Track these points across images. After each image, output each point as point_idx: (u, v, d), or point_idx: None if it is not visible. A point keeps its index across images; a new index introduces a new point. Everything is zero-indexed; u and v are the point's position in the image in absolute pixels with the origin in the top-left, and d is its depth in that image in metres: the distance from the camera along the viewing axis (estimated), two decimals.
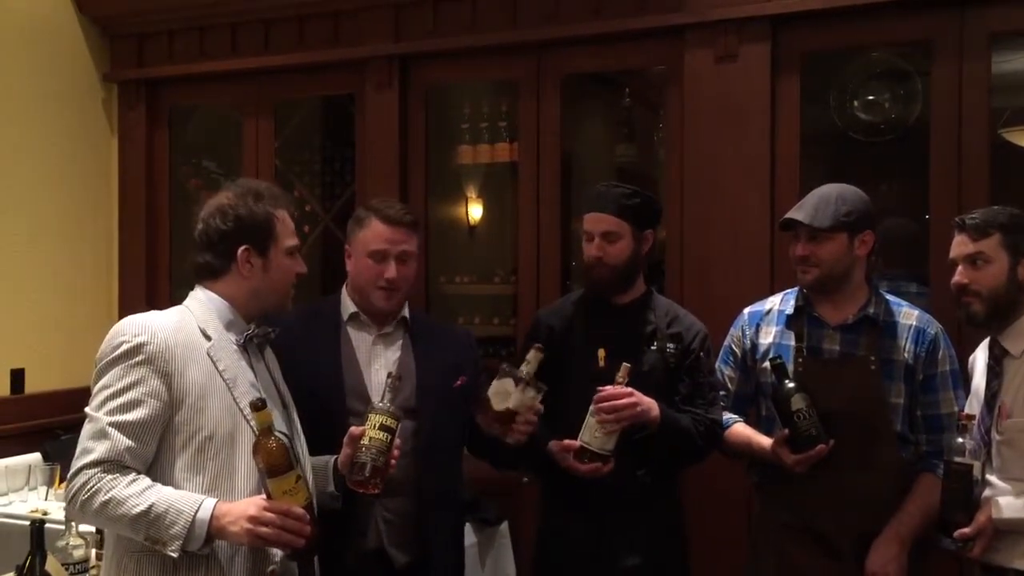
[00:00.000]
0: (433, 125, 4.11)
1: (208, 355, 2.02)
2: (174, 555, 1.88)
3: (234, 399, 2.02)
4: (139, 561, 1.96)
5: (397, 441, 2.19)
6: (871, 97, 3.65)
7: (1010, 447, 2.35)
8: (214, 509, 1.90)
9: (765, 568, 2.66)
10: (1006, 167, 3.41)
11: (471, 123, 4.26)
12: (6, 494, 3.69)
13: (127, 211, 4.58)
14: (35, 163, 4.22)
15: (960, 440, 2.33)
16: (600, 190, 2.69)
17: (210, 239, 2.10)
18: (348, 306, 2.56)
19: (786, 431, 2.52)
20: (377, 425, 2.15)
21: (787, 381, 2.52)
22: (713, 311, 3.01)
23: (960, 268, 2.42)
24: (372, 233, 2.50)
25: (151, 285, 4.54)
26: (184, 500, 1.90)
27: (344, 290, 2.60)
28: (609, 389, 2.45)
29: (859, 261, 2.59)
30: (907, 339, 2.56)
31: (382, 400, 2.20)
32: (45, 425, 4.07)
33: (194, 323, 2.05)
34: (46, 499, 3.62)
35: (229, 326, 2.09)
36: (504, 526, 3.71)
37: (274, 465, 1.93)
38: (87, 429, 1.94)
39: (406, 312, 2.59)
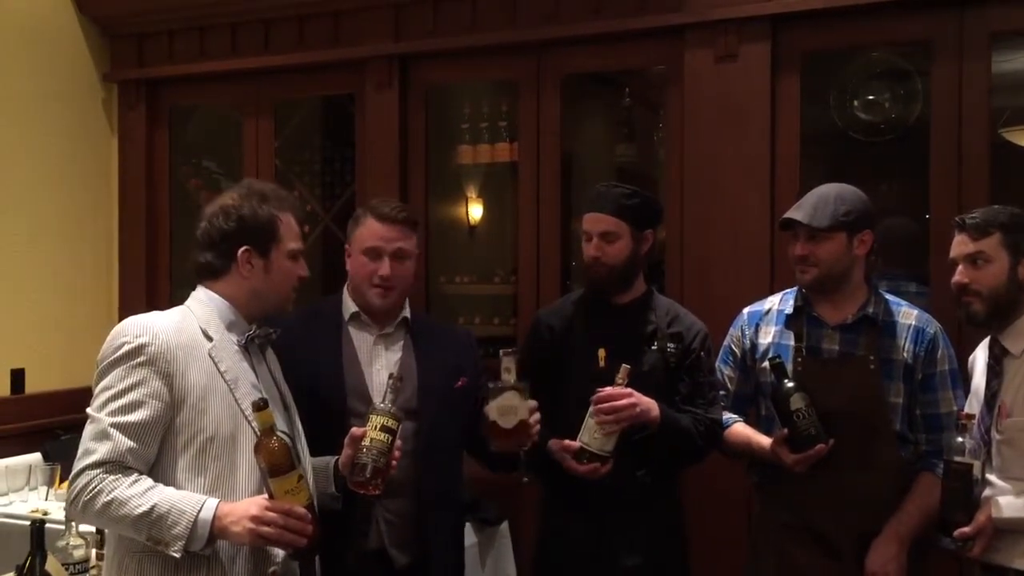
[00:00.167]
0: (433, 125, 4.11)
1: (210, 356, 2.02)
2: (176, 555, 1.89)
3: (235, 400, 2.02)
4: (141, 561, 1.96)
5: (398, 442, 2.19)
6: (871, 97, 3.65)
7: (1010, 446, 2.35)
8: (216, 509, 1.90)
9: (765, 568, 2.66)
10: (1006, 167, 3.41)
11: (471, 123, 4.26)
12: (6, 494, 3.69)
13: (127, 211, 4.58)
14: (35, 163, 4.22)
15: (960, 439, 2.33)
16: (600, 190, 2.69)
17: (212, 238, 2.10)
18: (349, 306, 2.56)
19: (785, 431, 2.52)
20: (378, 426, 2.15)
21: (786, 381, 2.52)
22: (713, 311, 3.01)
23: (960, 267, 2.42)
24: (367, 230, 2.50)
25: (151, 285, 4.54)
26: (186, 500, 1.90)
27: (345, 290, 2.60)
28: (608, 390, 2.46)
29: (858, 261, 2.60)
30: (906, 338, 2.56)
31: (383, 401, 2.20)
32: (45, 425, 4.07)
33: (196, 323, 2.05)
34: (46, 499, 3.62)
35: (231, 326, 2.09)
36: (504, 526, 3.72)
37: (276, 465, 1.93)
38: (89, 430, 1.94)
39: (407, 312, 2.59)
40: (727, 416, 2.73)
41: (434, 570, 2.49)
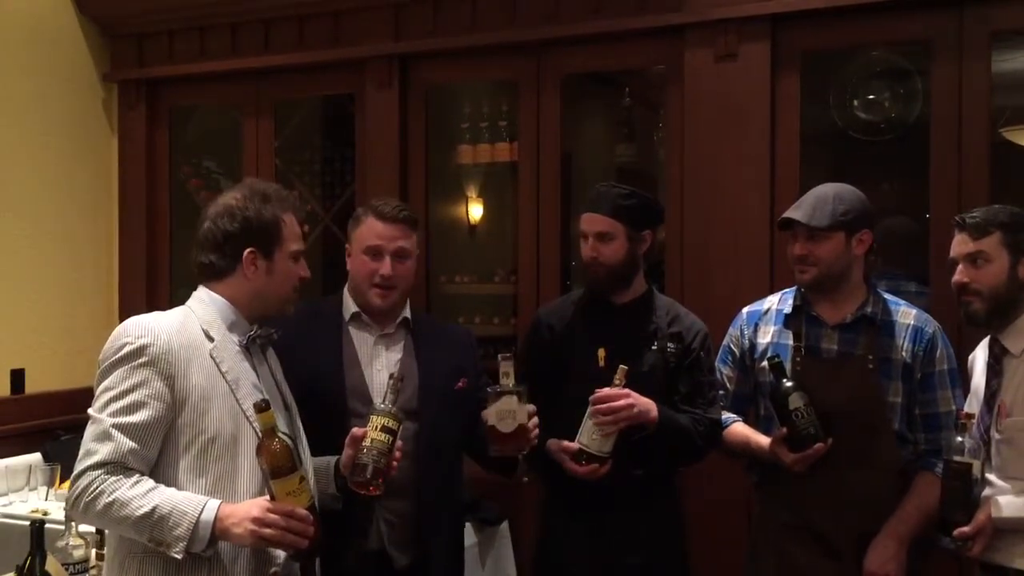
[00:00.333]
0: (433, 125, 4.11)
1: (211, 357, 2.02)
2: (178, 557, 1.89)
3: (237, 401, 2.02)
4: (142, 562, 1.96)
5: (399, 443, 2.19)
6: (871, 96, 3.65)
7: (1010, 446, 2.35)
8: (218, 510, 1.90)
9: (765, 568, 2.66)
10: (1006, 166, 3.41)
11: (471, 123, 4.26)
12: (6, 494, 3.70)
13: (127, 211, 4.58)
14: (35, 163, 4.22)
15: (960, 439, 2.33)
16: (599, 190, 2.69)
17: (216, 239, 2.10)
18: (350, 306, 2.56)
19: (784, 430, 2.52)
20: (379, 427, 2.15)
21: (785, 380, 2.53)
22: (713, 311, 3.01)
23: (960, 267, 2.42)
24: (367, 230, 2.50)
25: (151, 285, 4.54)
26: (188, 502, 1.90)
27: (346, 290, 2.60)
28: (605, 390, 2.46)
29: (857, 260, 2.60)
30: (905, 338, 2.57)
31: (384, 401, 2.20)
32: (45, 425, 4.07)
33: (197, 324, 2.05)
34: (46, 499, 3.62)
35: (232, 327, 2.09)
36: (504, 526, 3.72)
37: (278, 466, 1.93)
38: (90, 431, 1.94)
39: (407, 313, 2.59)
40: (726, 416, 2.73)
41: (434, 570, 2.49)
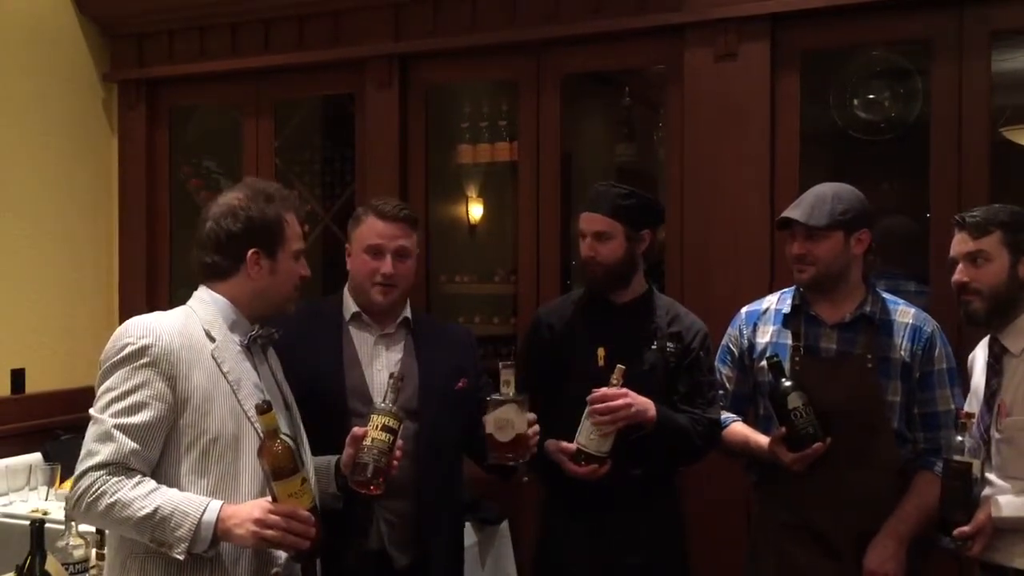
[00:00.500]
0: (433, 125, 4.11)
1: (212, 357, 2.02)
2: (180, 557, 1.89)
3: (238, 401, 2.02)
4: (143, 563, 1.96)
5: (399, 442, 2.19)
6: (871, 96, 3.65)
7: (1009, 445, 2.35)
8: (220, 511, 1.90)
9: (765, 568, 2.66)
10: (1006, 166, 3.41)
11: (471, 123, 4.26)
12: (6, 494, 3.70)
13: (127, 211, 4.58)
14: (35, 163, 4.22)
15: (959, 438, 2.33)
16: (599, 190, 2.69)
17: (219, 240, 2.09)
18: (350, 306, 2.56)
19: (783, 429, 2.52)
20: (379, 426, 2.16)
21: (784, 380, 2.53)
22: (713, 311, 3.01)
23: (960, 266, 2.42)
24: (368, 229, 2.50)
25: (151, 284, 4.54)
26: (190, 502, 1.90)
27: (346, 290, 2.60)
28: (603, 390, 2.46)
29: (856, 260, 2.60)
30: (904, 337, 2.57)
31: (384, 401, 2.20)
32: (45, 425, 4.07)
33: (198, 324, 2.05)
34: (46, 499, 3.62)
35: (233, 327, 2.09)
36: (504, 526, 3.72)
37: (280, 468, 1.93)
38: (92, 431, 1.94)
39: (408, 312, 2.59)
40: (725, 415, 2.73)
41: (434, 570, 2.49)
